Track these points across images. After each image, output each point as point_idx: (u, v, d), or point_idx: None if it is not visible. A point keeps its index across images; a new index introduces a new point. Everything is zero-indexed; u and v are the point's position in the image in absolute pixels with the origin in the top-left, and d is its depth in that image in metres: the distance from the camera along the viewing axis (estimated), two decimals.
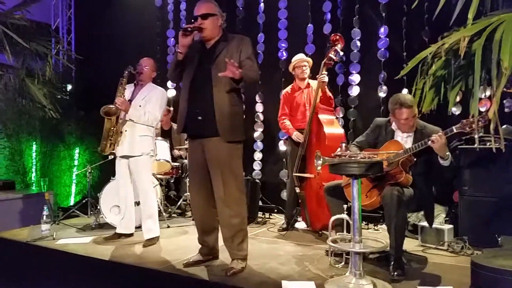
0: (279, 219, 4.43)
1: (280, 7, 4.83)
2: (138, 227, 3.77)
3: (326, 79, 3.71)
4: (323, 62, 3.72)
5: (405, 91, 3.81)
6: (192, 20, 2.73)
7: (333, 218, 2.81)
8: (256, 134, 5.00)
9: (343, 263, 2.78)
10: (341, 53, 3.78)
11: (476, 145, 3.05)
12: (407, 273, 2.59)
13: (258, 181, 4.68)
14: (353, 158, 2.57)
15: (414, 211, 3.36)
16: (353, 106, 4.40)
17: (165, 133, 5.02)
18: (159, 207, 3.82)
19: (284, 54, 4.83)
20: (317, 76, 3.73)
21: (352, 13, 4.36)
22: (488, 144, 3.14)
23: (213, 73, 2.67)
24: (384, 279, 2.46)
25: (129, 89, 3.60)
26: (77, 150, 5.86)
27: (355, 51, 4.36)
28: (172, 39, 5.65)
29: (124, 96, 3.49)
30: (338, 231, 2.92)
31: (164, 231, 3.84)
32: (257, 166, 5.02)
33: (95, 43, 6.19)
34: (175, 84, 5.64)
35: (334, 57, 3.69)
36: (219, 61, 2.67)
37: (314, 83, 3.86)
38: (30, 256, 3.47)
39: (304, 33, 4.64)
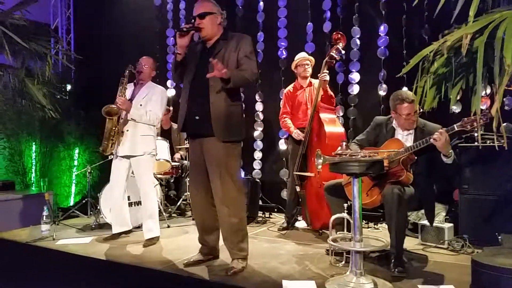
0: (279, 218, 4.42)
1: (280, 5, 4.82)
2: (138, 227, 3.76)
3: (327, 77, 3.70)
4: (324, 60, 3.72)
5: (405, 89, 3.80)
6: (192, 21, 2.73)
7: (333, 217, 2.80)
8: (256, 133, 4.99)
9: (343, 262, 2.78)
10: (343, 52, 3.77)
11: (479, 143, 3.04)
12: (407, 271, 2.58)
13: (258, 180, 4.68)
14: (353, 157, 2.56)
15: (414, 210, 3.36)
16: (353, 104, 4.39)
17: (164, 133, 5.01)
18: (159, 207, 3.81)
19: (284, 53, 4.82)
20: (318, 74, 3.73)
21: (351, 11, 4.35)
22: (488, 142, 3.14)
23: (210, 72, 2.67)
24: (385, 278, 2.45)
25: (129, 89, 3.59)
26: (76, 150, 5.85)
27: (355, 50, 4.35)
28: (172, 38, 5.63)
29: (125, 95, 3.49)
30: (339, 230, 2.91)
31: (164, 231, 3.84)
32: (257, 165, 5.02)
33: (94, 43, 6.18)
34: (174, 84, 5.64)
35: (335, 56, 3.69)
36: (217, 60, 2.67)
37: (316, 82, 3.86)
38: (30, 257, 3.47)
39: (304, 31, 4.63)
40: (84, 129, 5.72)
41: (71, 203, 5.74)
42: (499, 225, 3.06)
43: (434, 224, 3.08)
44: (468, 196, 3.31)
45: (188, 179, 3.76)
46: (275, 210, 4.70)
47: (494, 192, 3.20)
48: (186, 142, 4.62)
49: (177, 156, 4.94)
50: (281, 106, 4.14)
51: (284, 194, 4.58)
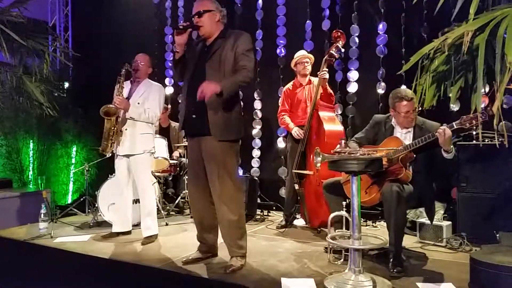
0: (277, 216, 4.42)
1: (279, 3, 4.81)
2: (137, 225, 3.75)
3: (326, 76, 3.70)
4: (324, 58, 3.71)
5: (403, 87, 3.80)
6: (192, 19, 2.72)
7: (332, 215, 2.81)
8: (254, 132, 4.99)
9: (342, 260, 2.78)
10: (343, 50, 3.76)
11: (479, 141, 3.04)
12: (406, 269, 2.59)
13: (256, 178, 4.69)
14: (352, 155, 2.56)
15: (413, 208, 3.37)
16: (351, 103, 4.39)
17: (163, 131, 5.00)
18: (157, 205, 3.81)
19: (283, 51, 4.82)
20: (318, 73, 3.72)
21: (350, 10, 4.35)
22: (487, 140, 3.14)
23: (207, 71, 2.66)
24: (384, 276, 2.46)
25: (126, 87, 3.57)
26: (74, 148, 5.83)
27: (353, 48, 4.35)
28: (170, 36, 5.62)
29: (122, 94, 3.47)
30: (337, 228, 2.91)
31: (162, 228, 3.83)
32: (255, 163, 5.02)
33: (92, 41, 6.16)
34: (173, 82, 5.64)
35: (335, 54, 3.68)
36: (214, 59, 2.66)
37: (315, 80, 3.85)
38: (28, 255, 3.45)
39: (303, 29, 4.63)
40: (82, 127, 5.70)
41: (69, 201, 5.72)
42: (497, 223, 3.07)
43: (433, 222, 3.09)
44: (466, 194, 3.32)
45: (187, 177, 3.75)
46: (274, 208, 4.70)
47: (492, 190, 3.21)
48: (184, 140, 4.61)
49: (175, 154, 4.93)
50: (279, 104, 4.14)
51: (283, 192, 4.58)
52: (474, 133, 3.29)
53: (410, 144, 2.66)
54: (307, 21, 4.61)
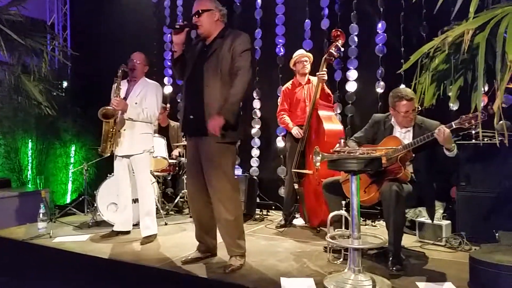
0: (277, 216, 4.42)
1: (278, 2, 4.80)
2: (136, 225, 3.75)
3: (325, 77, 3.70)
4: (323, 58, 3.71)
5: (403, 87, 3.80)
6: (192, 18, 2.71)
7: (331, 214, 2.80)
8: (253, 131, 4.98)
9: (341, 259, 2.78)
10: (342, 49, 3.75)
11: (480, 139, 3.04)
12: (405, 269, 2.58)
13: (255, 178, 4.68)
14: (351, 154, 2.56)
15: (413, 207, 3.37)
16: (350, 102, 4.38)
17: (162, 130, 4.99)
18: (156, 205, 3.80)
19: (282, 50, 4.81)
20: (317, 73, 3.71)
21: (349, 9, 4.34)
22: (486, 139, 3.14)
23: (205, 71, 2.65)
24: (383, 275, 2.45)
25: (123, 87, 3.55)
26: (73, 148, 5.82)
27: (352, 47, 4.34)
28: (169, 35, 5.61)
29: (119, 96, 3.45)
30: (337, 228, 2.91)
31: (161, 228, 3.83)
32: (254, 162, 5.01)
33: (91, 40, 6.14)
34: (171, 81, 5.62)
35: (335, 53, 3.67)
36: (212, 59, 2.65)
37: (314, 79, 3.84)
38: (26, 255, 3.45)
39: (302, 28, 4.62)
40: (81, 126, 5.69)
41: (68, 201, 5.72)
42: (496, 222, 3.07)
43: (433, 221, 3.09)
44: (465, 193, 3.31)
45: (186, 176, 3.75)
46: (273, 207, 4.70)
47: (491, 189, 3.20)
48: (183, 139, 4.60)
49: (175, 153, 4.92)
50: (278, 103, 4.13)
51: (282, 191, 4.58)
52: (473, 132, 3.29)
53: (409, 144, 2.66)
54: (306, 20, 4.61)
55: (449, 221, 3.31)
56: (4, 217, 4.16)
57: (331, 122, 3.69)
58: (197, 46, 2.83)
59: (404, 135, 2.86)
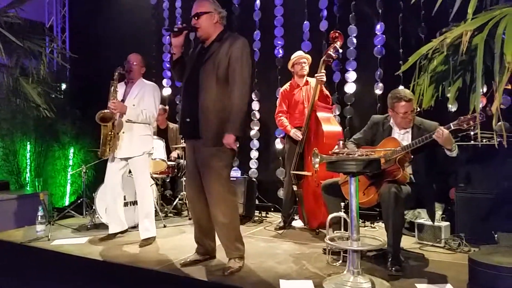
0: (276, 218, 4.41)
1: (276, 4, 4.80)
2: (135, 227, 3.74)
3: (324, 78, 3.70)
4: (322, 59, 3.71)
5: (402, 88, 3.80)
6: (191, 20, 2.71)
7: (330, 216, 2.80)
8: (252, 133, 4.98)
9: (340, 261, 2.77)
10: (340, 50, 3.75)
11: (478, 141, 3.04)
12: (404, 270, 2.58)
13: (254, 179, 4.67)
14: (350, 156, 2.56)
15: (411, 208, 3.37)
16: (349, 103, 4.38)
17: (161, 132, 4.99)
18: (155, 207, 3.79)
19: (280, 51, 4.81)
20: (316, 74, 3.71)
21: (348, 10, 4.34)
22: (484, 140, 3.14)
23: (201, 74, 2.64)
24: (382, 277, 2.45)
25: (120, 89, 3.55)
26: (71, 150, 5.80)
27: (351, 48, 4.34)
28: (168, 37, 5.60)
29: (117, 98, 3.43)
30: (336, 229, 2.91)
31: (160, 230, 3.82)
32: (253, 164, 5.00)
33: (89, 42, 6.14)
34: (170, 83, 5.62)
35: (333, 55, 3.67)
36: (209, 62, 2.64)
37: (312, 81, 3.84)
38: (25, 257, 3.44)
39: (300, 30, 4.62)
40: (79, 129, 5.68)
41: (66, 203, 5.69)
42: (495, 223, 3.07)
43: (431, 223, 3.08)
44: (464, 194, 3.32)
45: (184, 178, 3.74)
46: (272, 209, 4.69)
47: (490, 190, 3.20)
48: (182, 141, 4.60)
49: (173, 154, 4.91)
50: (277, 105, 4.13)
51: (281, 193, 4.57)
52: (472, 133, 3.29)
53: (408, 145, 2.66)
54: (305, 22, 4.61)
55: (448, 223, 3.31)
56: (2, 220, 4.15)
57: (330, 124, 3.69)
58: (196, 48, 2.83)
59: (403, 136, 2.86)
